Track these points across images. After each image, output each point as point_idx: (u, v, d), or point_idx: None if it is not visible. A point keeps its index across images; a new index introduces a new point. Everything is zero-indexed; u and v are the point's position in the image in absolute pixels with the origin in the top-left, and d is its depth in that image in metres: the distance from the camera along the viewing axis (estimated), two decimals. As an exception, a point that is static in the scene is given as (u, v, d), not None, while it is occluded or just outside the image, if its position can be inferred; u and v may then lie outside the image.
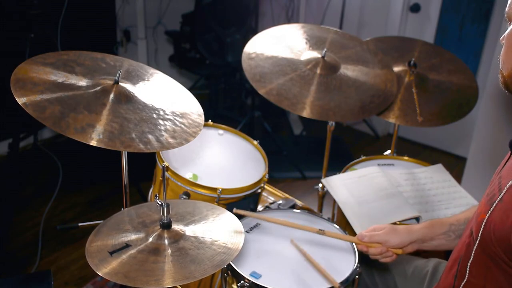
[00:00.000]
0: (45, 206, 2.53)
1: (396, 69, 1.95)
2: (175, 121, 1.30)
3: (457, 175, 2.47)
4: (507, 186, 1.00)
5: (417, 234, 1.33)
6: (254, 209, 1.71)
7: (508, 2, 1.03)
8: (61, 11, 2.53)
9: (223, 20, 3.45)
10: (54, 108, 1.15)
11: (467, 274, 1.10)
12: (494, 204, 1.02)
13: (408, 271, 1.46)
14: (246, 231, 1.49)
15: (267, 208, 1.69)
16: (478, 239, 1.05)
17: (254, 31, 3.56)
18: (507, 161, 1.11)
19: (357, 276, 1.34)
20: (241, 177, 1.70)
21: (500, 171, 1.10)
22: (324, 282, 1.30)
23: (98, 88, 1.26)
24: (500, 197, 1.01)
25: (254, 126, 3.51)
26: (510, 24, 1.03)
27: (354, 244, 1.43)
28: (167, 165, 1.47)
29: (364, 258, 1.47)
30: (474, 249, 1.07)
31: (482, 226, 1.03)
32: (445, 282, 1.22)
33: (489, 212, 1.02)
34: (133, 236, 1.18)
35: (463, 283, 1.12)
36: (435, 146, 3.77)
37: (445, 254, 1.68)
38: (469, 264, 1.10)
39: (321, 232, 1.36)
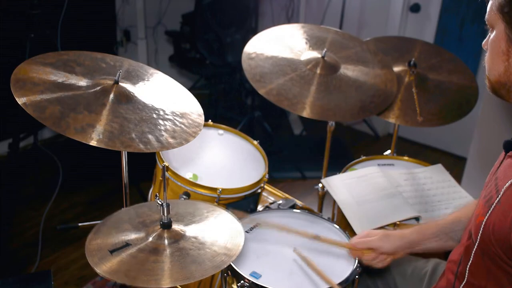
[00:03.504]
0: (45, 206, 2.53)
1: (396, 69, 1.95)
2: (175, 121, 1.30)
3: (457, 175, 2.46)
4: (504, 187, 1.01)
5: (407, 239, 1.35)
6: (254, 209, 1.71)
7: (488, 10, 1.04)
8: (61, 11, 2.53)
9: (223, 20, 3.45)
10: (54, 108, 1.15)
11: (467, 275, 1.11)
12: (492, 206, 1.02)
13: (408, 271, 1.47)
14: (246, 231, 1.49)
15: (267, 208, 1.69)
16: (478, 241, 1.05)
17: (254, 31, 3.56)
18: (502, 162, 1.11)
19: (357, 276, 1.34)
20: (241, 177, 1.70)
21: (495, 172, 1.11)
22: (324, 282, 1.30)
23: (98, 88, 1.26)
24: (497, 199, 1.02)
25: (254, 126, 3.51)
26: (491, 31, 1.05)
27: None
28: (167, 165, 1.47)
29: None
30: (473, 251, 1.08)
31: (481, 228, 1.04)
32: (444, 283, 1.22)
33: (488, 214, 1.03)
34: (133, 235, 1.18)
35: (462, 284, 1.12)
36: (435, 146, 3.77)
37: (444, 254, 1.68)
38: (469, 265, 1.10)
39: (316, 237, 1.38)
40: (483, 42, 1.08)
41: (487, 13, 1.04)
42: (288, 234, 1.46)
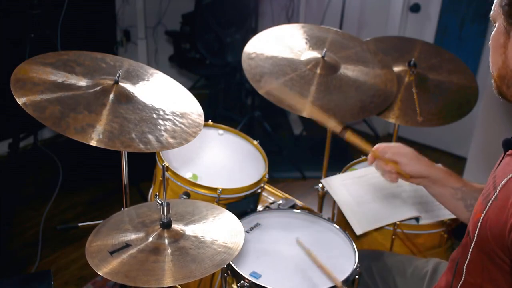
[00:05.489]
0: (45, 206, 2.53)
1: (396, 69, 1.95)
2: (175, 121, 1.30)
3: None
4: (501, 184, 1.01)
5: (434, 173, 1.33)
6: (254, 209, 1.71)
7: (493, 5, 1.05)
8: (61, 11, 2.53)
9: (223, 20, 3.45)
10: (54, 108, 1.15)
11: (464, 274, 1.11)
12: (490, 202, 1.03)
13: (408, 271, 1.47)
14: (246, 231, 1.49)
15: (267, 208, 1.69)
16: (475, 238, 1.06)
17: (254, 31, 3.56)
18: (501, 160, 1.12)
19: (357, 276, 1.34)
20: (241, 177, 1.70)
21: (495, 171, 1.11)
22: (324, 282, 1.30)
23: (98, 88, 1.26)
24: (495, 195, 1.02)
25: (254, 126, 3.51)
26: (494, 27, 1.05)
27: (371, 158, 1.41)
28: (167, 165, 1.47)
29: (364, 258, 1.47)
30: (471, 249, 1.08)
31: (478, 225, 1.04)
32: (443, 282, 1.23)
33: (485, 210, 1.03)
34: (133, 236, 1.18)
35: (460, 283, 1.12)
36: (435, 146, 3.77)
37: (445, 254, 1.68)
38: (466, 263, 1.10)
39: (343, 133, 1.36)
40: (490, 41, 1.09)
41: (492, 9, 1.06)
42: (293, 230, 1.46)
